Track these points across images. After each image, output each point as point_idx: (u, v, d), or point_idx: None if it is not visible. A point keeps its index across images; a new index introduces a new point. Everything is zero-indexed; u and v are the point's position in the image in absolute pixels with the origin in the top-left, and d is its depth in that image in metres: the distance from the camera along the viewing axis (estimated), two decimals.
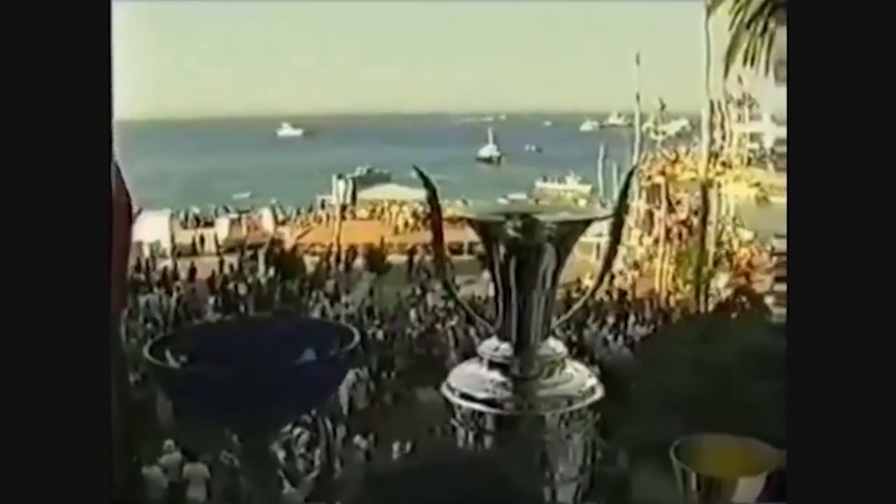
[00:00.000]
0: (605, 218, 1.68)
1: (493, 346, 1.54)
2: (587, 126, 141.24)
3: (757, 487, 1.40)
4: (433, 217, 1.60)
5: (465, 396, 1.48)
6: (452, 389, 1.50)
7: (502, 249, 1.54)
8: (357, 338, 1.36)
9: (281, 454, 1.35)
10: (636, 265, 35.12)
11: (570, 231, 1.56)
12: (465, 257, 21.54)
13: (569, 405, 1.47)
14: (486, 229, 1.56)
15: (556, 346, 1.55)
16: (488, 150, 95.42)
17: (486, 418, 1.47)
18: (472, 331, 23.32)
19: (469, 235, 1.56)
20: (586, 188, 54.62)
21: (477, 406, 1.47)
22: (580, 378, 1.52)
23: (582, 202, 31.89)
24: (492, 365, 1.52)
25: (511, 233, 1.51)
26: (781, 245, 37.19)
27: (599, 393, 1.51)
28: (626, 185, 1.93)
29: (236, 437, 1.33)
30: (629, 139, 41.17)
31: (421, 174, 1.57)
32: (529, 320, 1.53)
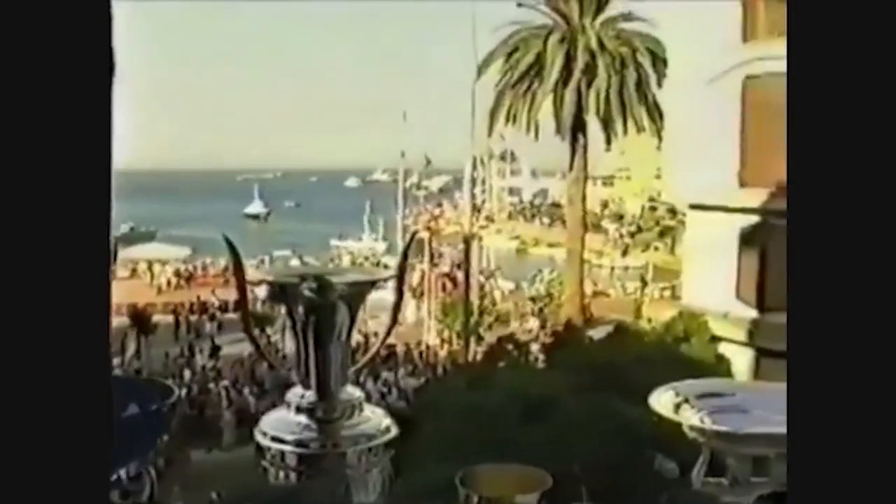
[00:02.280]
0: (389, 278, 1.89)
1: (299, 394, 1.71)
2: (351, 182, 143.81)
3: None
4: (238, 278, 1.74)
5: (275, 439, 1.64)
6: (264, 433, 1.66)
7: (300, 308, 1.71)
8: (176, 392, 1.49)
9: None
10: (403, 319, 35.68)
11: (360, 290, 1.76)
12: (233, 315, 21.25)
13: (368, 442, 1.66)
14: (284, 290, 1.73)
15: (353, 391, 1.74)
16: (255, 207, 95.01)
17: (294, 458, 1.63)
18: (245, 390, 22.92)
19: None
20: (382, 245, 53.88)
21: (286, 447, 1.63)
22: (377, 419, 1.72)
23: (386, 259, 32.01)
24: (298, 410, 1.69)
25: (307, 293, 1.69)
26: (540, 292, 38.96)
27: (394, 431, 1.71)
28: (408, 246, 2.14)
29: None
30: (392, 194, 41.92)
31: (227, 241, 1.72)
32: (329, 370, 1.71)
